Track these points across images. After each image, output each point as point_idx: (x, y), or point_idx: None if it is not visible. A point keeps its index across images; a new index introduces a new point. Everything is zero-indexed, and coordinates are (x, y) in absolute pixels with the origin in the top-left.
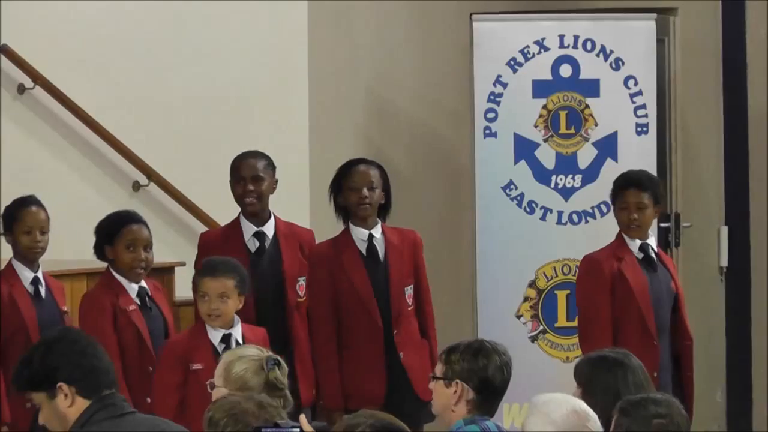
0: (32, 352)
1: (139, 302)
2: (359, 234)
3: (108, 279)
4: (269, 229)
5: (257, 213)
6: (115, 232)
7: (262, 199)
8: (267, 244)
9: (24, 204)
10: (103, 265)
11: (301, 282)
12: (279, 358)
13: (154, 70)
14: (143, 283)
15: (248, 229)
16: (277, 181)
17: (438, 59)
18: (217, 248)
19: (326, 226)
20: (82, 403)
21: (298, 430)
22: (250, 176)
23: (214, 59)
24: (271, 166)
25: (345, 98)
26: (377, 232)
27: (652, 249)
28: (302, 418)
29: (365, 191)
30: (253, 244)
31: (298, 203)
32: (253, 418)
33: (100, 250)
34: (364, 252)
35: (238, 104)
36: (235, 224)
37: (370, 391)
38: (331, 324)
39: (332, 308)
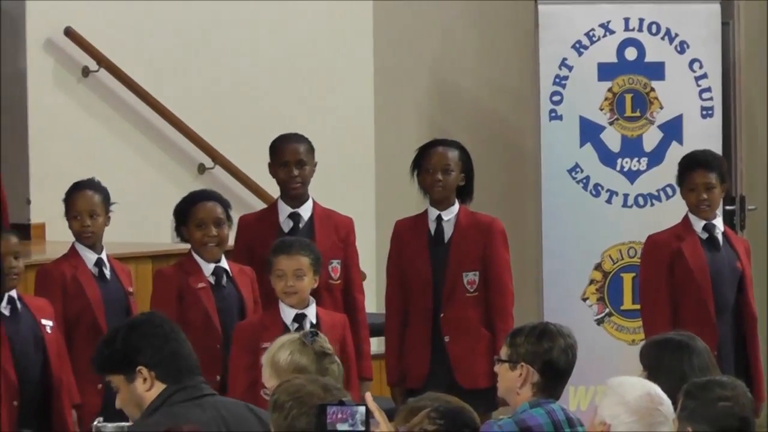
0: (114, 333)
1: (213, 282)
2: (431, 214)
3: (185, 259)
4: (305, 211)
5: (301, 197)
6: (187, 212)
7: (306, 184)
8: (301, 225)
9: (75, 188)
10: (166, 247)
11: (335, 264)
12: (313, 330)
13: (218, 52)
14: (223, 264)
15: (284, 210)
16: (316, 164)
17: (502, 42)
18: (253, 229)
19: (391, 206)
20: (160, 387)
21: (364, 408)
22: (294, 161)
23: (278, 41)
24: (311, 148)
25: (409, 81)
26: (449, 214)
27: (718, 229)
28: (368, 396)
29: (439, 174)
30: (287, 225)
31: (363, 184)
32: (318, 400)
33: (180, 233)
34: (432, 233)
35: (302, 86)
36: (273, 206)
37: (413, 371)
38: (394, 300)
39: (399, 284)
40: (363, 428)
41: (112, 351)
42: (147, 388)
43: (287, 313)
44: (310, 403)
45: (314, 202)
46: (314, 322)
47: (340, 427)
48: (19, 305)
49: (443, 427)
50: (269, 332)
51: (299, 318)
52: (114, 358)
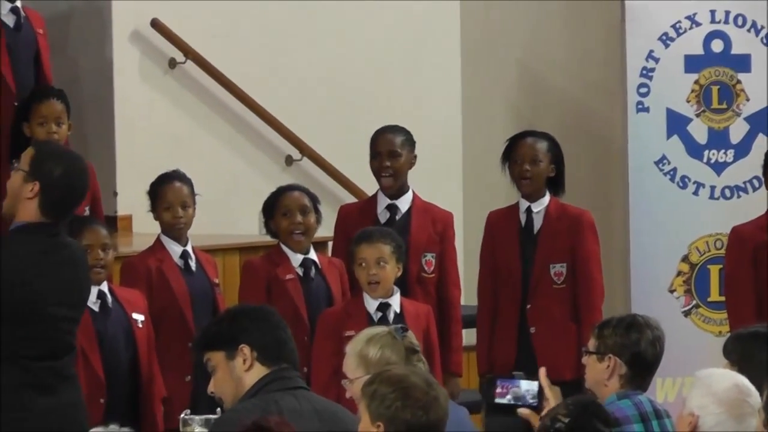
0: (224, 314)
1: (301, 273)
2: (522, 206)
3: (274, 250)
4: (404, 203)
5: (392, 189)
6: (273, 204)
7: (399, 176)
8: (398, 216)
9: (164, 180)
10: (253, 239)
11: (429, 257)
12: (403, 325)
13: (306, 44)
14: (312, 255)
15: (383, 201)
16: (415, 157)
17: (589, 34)
18: (352, 219)
19: (478, 200)
20: (259, 371)
21: (536, 383)
22: (386, 151)
23: (366, 35)
24: (409, 141)
25: (496, 73)
26: (538, 206)
27: None
28: (542, 371)
29: (527, 165)
30: (384, 216)
31: (451, 178)
32: (422, 394)
33: (268, 227)
34: (522, 224)
35: (390, 78)
36: (374, 197)
37: (500, 361)
38: (486, 290)
39: (491, 275)
40: (535, 402)
41: (219, 329)
42: (246, 368)
43: (371, 302)
44: (415, 396)
45: (414, 195)
46: (398, 311)
47: (510, 400)
48: (109, 299)
49: (572, 420)
50: (353, 321)
51: (383, 307)
52: (219, 334)
